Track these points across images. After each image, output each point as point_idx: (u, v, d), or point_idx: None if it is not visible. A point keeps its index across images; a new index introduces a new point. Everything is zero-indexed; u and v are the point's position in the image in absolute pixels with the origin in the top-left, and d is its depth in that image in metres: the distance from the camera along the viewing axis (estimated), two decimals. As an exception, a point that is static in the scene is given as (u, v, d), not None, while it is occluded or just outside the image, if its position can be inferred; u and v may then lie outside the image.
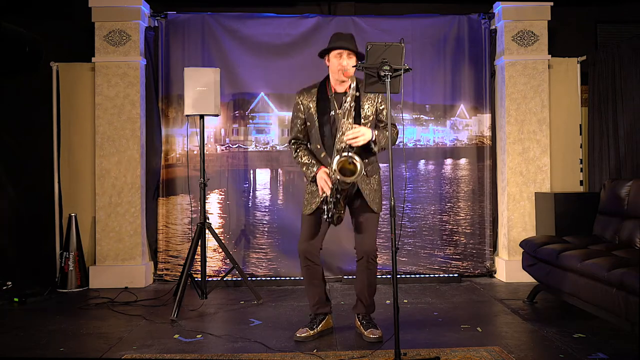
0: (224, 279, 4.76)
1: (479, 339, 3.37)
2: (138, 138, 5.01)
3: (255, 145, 5.28)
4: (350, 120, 3.21)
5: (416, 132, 5.31)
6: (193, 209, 5.10)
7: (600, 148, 5.01)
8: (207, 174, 4.42)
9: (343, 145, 3.17)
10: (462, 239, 5.25)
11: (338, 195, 3.19)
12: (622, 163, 4.76)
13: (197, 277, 4.36)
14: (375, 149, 3.28)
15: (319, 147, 3.36)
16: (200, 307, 4.18)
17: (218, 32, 5.21)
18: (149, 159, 5.15)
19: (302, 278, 4.98)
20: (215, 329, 3.67)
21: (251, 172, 5.29)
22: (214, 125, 5.21)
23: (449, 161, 5.33)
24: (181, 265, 4.80)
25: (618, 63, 4.77)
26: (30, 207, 5.23)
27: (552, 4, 5.06)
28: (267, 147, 5.29)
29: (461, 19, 5.28)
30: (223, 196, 5.25)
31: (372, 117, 3.35)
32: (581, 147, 5.23)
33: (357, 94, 3.28)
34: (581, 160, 5.22)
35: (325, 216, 3.18)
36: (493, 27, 5.29)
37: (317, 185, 3.31)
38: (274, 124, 5.28)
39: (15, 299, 4.36)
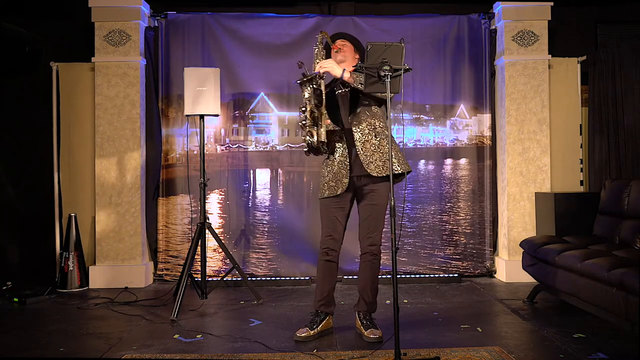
0: (224, 279, 4.76)
1: (479, 339, 3.37)
2: (138, 138, 5.01)
3: (255, 145, 5.28)
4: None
5: (416, 132, 5.31)
6: (193, 209, 5.10)
7: (600, 148, 5.01)
8: (207, 174, 4.42)
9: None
10: (462, 239, 5.25)
11: (313, 108, 3.22)
12: (622, 163, 4.76)
13: (197, 277, 4.36)
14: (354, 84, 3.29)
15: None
16: (200, 307, 4.17)
17: (218, 32, 5.21)
18: (149, 159, 5.15)
19: (302, 278, 5.05)
20: (215, 329, 3.67)
21: (251, 172, 5.29)
22: (214, 125, 5.21)
23: (449, 161, 5.33)
24: (181, 265, 4.80)
25: (618, 63, 4.78)
26: (30, 207, 5.23)
27: (552, 4, 5.07)
28: (267, 147, 5.29)
29: (461, 19, 5.28)
30: (223, 196, 5.25)
31: None
32: (581, 147, 5.23)
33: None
34: (581, 160, 5.22)
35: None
36: (493, 27, 5.29)
37: (328, 167, 3.44)
38: (274, 124, 5.28)
39: (15, 299, 4.37)
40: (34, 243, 5.20)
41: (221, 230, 5.17)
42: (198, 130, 4.53)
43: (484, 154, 5.32)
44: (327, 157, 3.47)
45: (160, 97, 5.22)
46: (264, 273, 5.13)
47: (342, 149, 3.40)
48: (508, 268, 5.00)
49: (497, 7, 5.13)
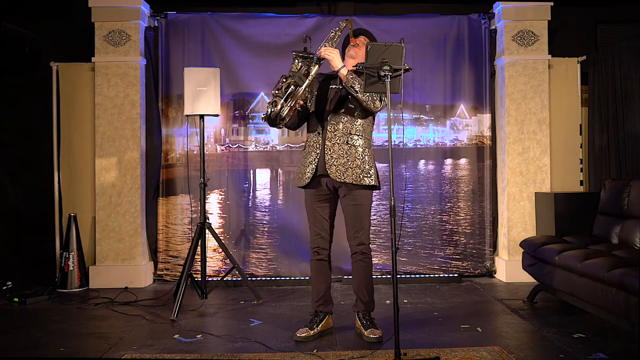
0: (224, 279, 4.76)
1: (479, 339, 3.37)
2: (138, 138, 5.01)
3: (255, 145, 5.28)
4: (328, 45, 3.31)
5: (416, 132, 5.31)
6: (193, 209, 5.10)
7: (600, 148, 5.01)
8: (207, 174, 4.42)
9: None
10: (462, 239, 5.25)
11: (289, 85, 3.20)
12: (622, 163, 4.76)
13: (197, 277, 4.36)
14: (350, 85, 3.26)
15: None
16: (200, 307, 4.18)
17: (218, 32, 5.21)
18: (149, 159, 5.15)
19: (302, 278, 5.05)
20: (215, 329, 3.67)
21: (251, 172, 5.29)
22: (214, 125, 5.21)
23: (449, 161, 5.33)
24: (181, 265, 4.80)
25: (618, 63, 4.77)
26: (30, 207, 5.23)
27: (552, 4, 5.06)
28: (267, 147, 5.29)
29: (461, 19, 5.28)
30: (223, 196, 5.25)
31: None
32: (581, 147, 5.23)
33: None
34: (581, 160, 5.22)
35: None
36: (493, 27, 5.29)
37: (303, 158, 3.46)
38: (274, 123, 5.27)
39: (15, 299, 4.37)
40: (34, 243, 5.21)
41: (221, 230, 5.17)
42: (198, 130, 4.53)
43: (484, 154, 5.31)
44: (305, 147, 3.47)
45: (160, 97, 5.22)
46: (264, 273, 5.13)
47: (317, 143, 3.40)
48: (508, 268, 5.00)
49: (497, 7, 5.13)
